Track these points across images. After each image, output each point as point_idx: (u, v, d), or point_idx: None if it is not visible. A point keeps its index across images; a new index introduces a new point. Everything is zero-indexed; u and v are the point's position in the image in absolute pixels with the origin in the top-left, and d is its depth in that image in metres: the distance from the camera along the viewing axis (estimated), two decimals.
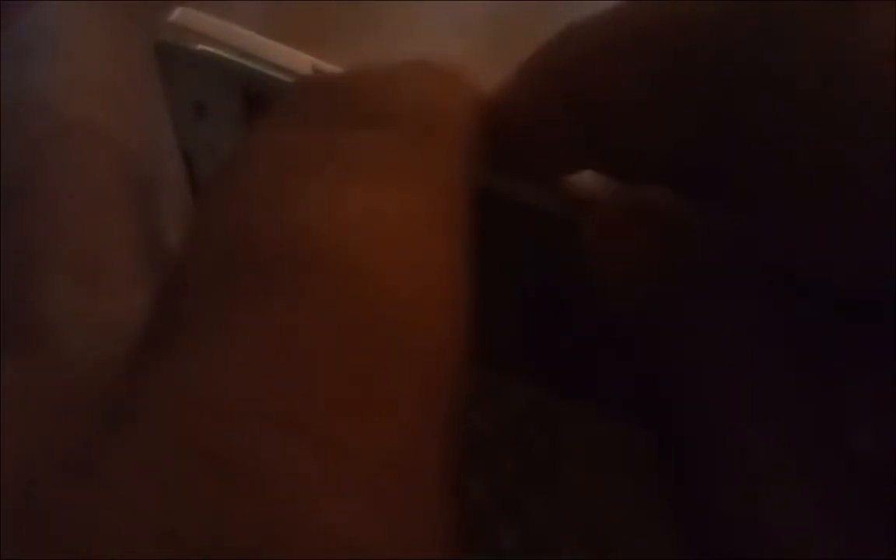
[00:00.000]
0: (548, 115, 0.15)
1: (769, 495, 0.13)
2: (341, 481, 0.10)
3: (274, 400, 0.10)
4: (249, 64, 0.18)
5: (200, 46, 0.18)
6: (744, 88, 0.13)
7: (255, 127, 0.13)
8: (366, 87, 0.13)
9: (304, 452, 0.10)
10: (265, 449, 0.09)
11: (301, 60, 0.18)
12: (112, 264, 0.23)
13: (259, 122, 0.13)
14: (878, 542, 0.13)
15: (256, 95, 0.18)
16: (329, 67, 0.18)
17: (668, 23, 0.14)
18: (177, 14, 0.18)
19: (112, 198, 0.24)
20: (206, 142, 0.20)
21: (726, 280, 0.15)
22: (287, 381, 0.10)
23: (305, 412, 0.10)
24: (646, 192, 0.16)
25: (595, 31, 0.15)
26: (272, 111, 0.13)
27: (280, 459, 0.09)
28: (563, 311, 0.19)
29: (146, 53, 0.26)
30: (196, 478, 0.09)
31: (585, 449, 0.24)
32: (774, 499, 0.13)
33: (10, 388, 0.11)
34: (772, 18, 0.13)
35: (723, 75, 0.13)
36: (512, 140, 0.16)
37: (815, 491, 0.13)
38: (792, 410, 0.14)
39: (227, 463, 0.09)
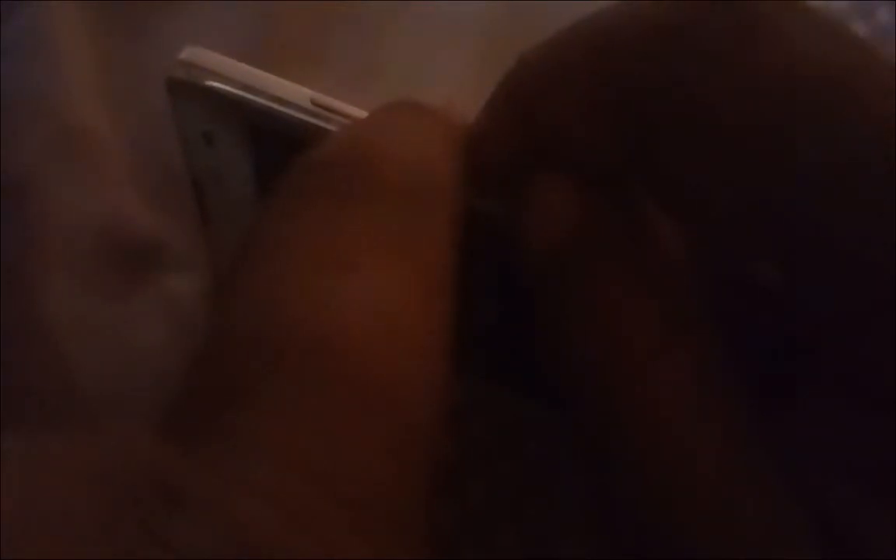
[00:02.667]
0: (510, 142, 0.17)
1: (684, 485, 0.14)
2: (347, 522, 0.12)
3: (304, 485, 0.11)
4: (254, 98, 0.19)
5: (209, 82, 0.19)
6: (666, 113, 0.15)
7: (263, 212, 0.14)
8: (360, 161, 0.15)
9: (329, 505, 0.11)
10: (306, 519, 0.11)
11: (301, 93, 0.19)
12: (112, 266, 0.24)
13: (267, 205, 0.15)
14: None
15: (260, 126, 0.20)
16: (327, 100, 0.19)
17: (596, 52, 0.15)
18: (186, 53, 0.19)
19: (111, 201, 0.25)
20: (214, 169, 0.21)
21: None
22: (306, 472, 0.12)
23: (340, 473, 0.12)
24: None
25: (542, 60, 0.16)
26: (279, 192, 0.15)
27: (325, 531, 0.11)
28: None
29: (139, 53, 0.26)
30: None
31: (582, 455, 0.25)
32: (690, 493, 0.14)
33: (47, 461, 0.11)
34: (693, 47, 0.14)
35: (645, 99, 0.15)
36: (484, 165, 0.17)
37: (731, 486, 0.14)
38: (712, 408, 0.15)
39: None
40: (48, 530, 0.10)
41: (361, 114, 0.19)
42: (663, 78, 0.14)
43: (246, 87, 0.19)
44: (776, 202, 0.14)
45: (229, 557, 0.10)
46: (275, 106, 0.19)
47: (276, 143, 0.20)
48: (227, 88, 0.19)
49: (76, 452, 0.11)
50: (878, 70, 0.13)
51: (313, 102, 0.19)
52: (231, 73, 0.19)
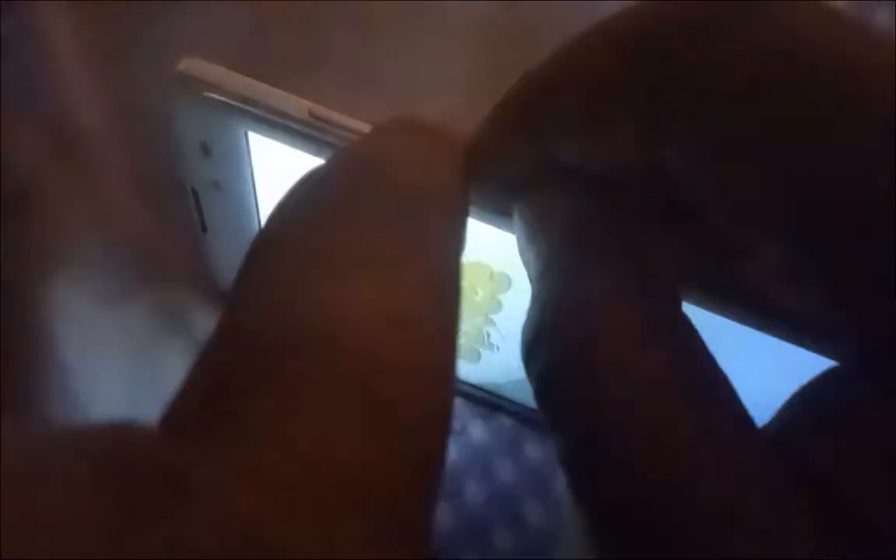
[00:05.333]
0: (510, 147, 0.17)
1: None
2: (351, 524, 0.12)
3: (306, 487, 0.12)
4: (251, 109, 0.19)
5: (206, 93, 0.19)
6: (679, 103, 0.15)
7: (269, 220, 0.15)
8: (366, 171, 0.15)
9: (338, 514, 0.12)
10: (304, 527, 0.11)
11: (298, 104, 0.19)
12: (111, 271, 0.25)
13: (273, 214, 0.15)
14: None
15: (257, 137, 0.20)
16: (325, 112, 0.19)
17: (605, 51, 0.16)
18: (184, 64, 0.19)
19: (111, 206, 0.25)
20: (212, 179, 0.21)
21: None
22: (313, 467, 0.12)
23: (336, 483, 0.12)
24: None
25: (548, 69, 0.17)
26: (284, 200, 0.15)
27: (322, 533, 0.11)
28: None
29: (139, 57, 0.26)
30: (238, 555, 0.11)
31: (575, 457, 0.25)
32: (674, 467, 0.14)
33: (39, 450, 0.11)
34: (706, 41, 0.15)
35: (657, 92, 0.15)
36: (486, 174, 0.17)
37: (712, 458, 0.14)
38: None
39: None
40: (47, 523, 0.10)
41: (359, 125, 0.19)
42: (676, 72, 0.15)
43: (243, 99, 0.19)
44: (787, 184, 0.14)
45: (230, 548, 0.10)
46: (273, 117, 0.19)
47: (273, 154, 0.20)
48: (225, 100, 0.19)
49: (76, 443, 0.11)
50: (888, 59, 0.14)
51: (311, 114, 0.19)
52: (228, 84, 0.19)
